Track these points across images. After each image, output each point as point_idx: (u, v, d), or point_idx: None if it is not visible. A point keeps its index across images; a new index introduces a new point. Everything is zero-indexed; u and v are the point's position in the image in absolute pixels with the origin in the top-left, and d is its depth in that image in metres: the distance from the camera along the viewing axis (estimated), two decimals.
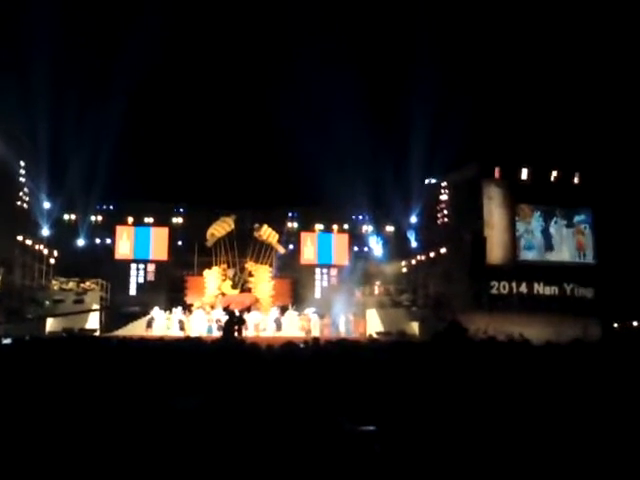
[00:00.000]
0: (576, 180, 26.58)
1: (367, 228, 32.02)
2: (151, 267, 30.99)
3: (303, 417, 3.55)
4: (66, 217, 29.39)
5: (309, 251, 31.79)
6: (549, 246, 26.60)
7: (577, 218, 26.93)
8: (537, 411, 3.78)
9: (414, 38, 27.57)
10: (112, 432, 3.21)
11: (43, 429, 3.32)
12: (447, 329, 7.26)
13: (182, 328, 25.78)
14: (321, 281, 32.34)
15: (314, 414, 3.66)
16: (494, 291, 25.32)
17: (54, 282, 26.97)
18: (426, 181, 29.05)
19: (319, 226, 31.86)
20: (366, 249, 31.81)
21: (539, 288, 25.73)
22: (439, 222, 28.47)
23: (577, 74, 27.37)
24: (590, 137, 25.87)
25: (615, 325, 25.25)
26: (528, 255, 26.34)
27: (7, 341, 8.51)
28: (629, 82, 26.28)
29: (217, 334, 23.42)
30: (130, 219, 30.47)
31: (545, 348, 8.78)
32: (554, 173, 26.32)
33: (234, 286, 30.06)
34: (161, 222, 30.79)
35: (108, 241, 30.39)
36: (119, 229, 30.45)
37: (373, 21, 30.81)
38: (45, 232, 27.82)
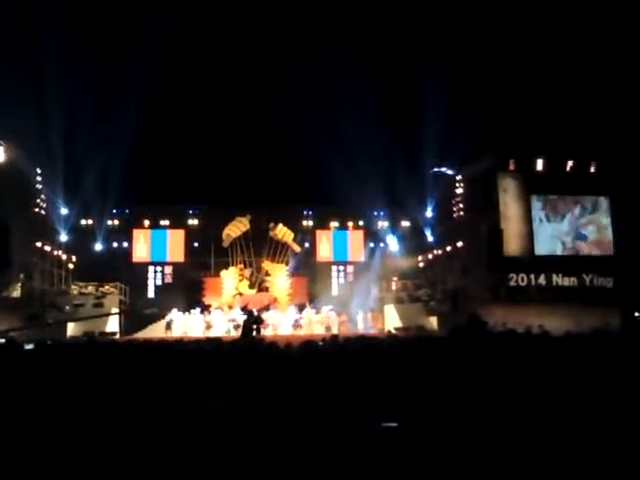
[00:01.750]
0: (592, 169, 26.32)
1: (382, 224, 31.96)
2: (168, 269, 31.17)
3: (324, 414, 3.56)
4: (83, 222, 29.70)
5: (325, 249, 31.80)
6: (567, 237, 26.38)
7: (595, 207, 26.67)
8: (560, 404, 3.76)
9: (427, 30, 27.43)
10: (139, 436, 3.24)
11: (68, 432, 3.36)
12: (467, 323, 7.23)
13: (208, 327, 25.96)
14: (338, 278, 32.32)
15: (335, 411, 3.67)
16: (512, 283, 25.14)
17: (73, 287, 27.26)
18: (435, 169, 28.74)
19: (334, 223, 31.88)
20: (382, 245, 31.74)
21: (557, 279, 25.51)
22: (455, 216, 28.34)
23: (591, 63, 27.08)
24: (605, 125, 25.59)
25: (636, 314, 24.98)
26: (545, 246, 26.13)
27: (30, 346, 8.61)
28: None
29: (235, 334, 23.54)
30: (146, 222, 30.69)
31: (565, 339, 8.73)
32: (570, 163, 26.06)
33: (251, 286, 30.19)
34: (177, 224, 30.98)
35: (125, 245, 30.65)
36: (136, 232, 30.67)
37: (385, 11, 30.66)
38: (63, 238, 28.14)
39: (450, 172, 28.55)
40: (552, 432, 3.20)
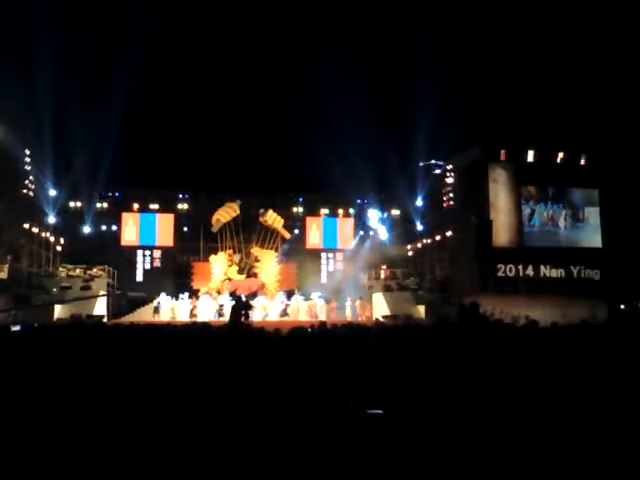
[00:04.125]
0: (582, 161, 26.43)
1: (372, 212, 31.94)
2: (157, 253, 31.02)
3: (310, 400, 3.57)
4: (72, 204, 29.47)
5: (314, 236, 31.77)
6: (555, 228, 26.54)
7: (584, 199, 26.83)
8: (546, 395, 3.79)
9: (418, 20, 27.37)
10: (119, 419, 3.23)
11: (52, 415, 3.35)
12: (465, 312, 7.24)
13: (193, 314, 25.92)
14: (327, 266, 32.33)
15: (321, 397, 3.68)
16: (500, 274, 25.28)
17: (61, 269, 27.08)
18: (422, 163, 28.73)
19: (324, 210, 31.83)
20: (372, 233, 31.75)
21: (545, 270, 25.69)
22: (445, 205, 28.37)
23: (583, 55, 27.10)
24: (596, 118, 25.68)
25: (622, 306, 25.21)
26: (534, 237, 26.27)
27: (16, 328, 8.57)
28: (635, 62, 26.01)
29: (223, 319, 23.52)
30: (135, 206, 30.47)
31: (551, 330, 8.78)
32: (560, 155, 26.16)
33: (240, 271, 30.15)
34: (166, 208, 30.79)
35: (114, 228, 30.45)
36: (125, 216, 30.48)
37: (376, 3, 30.55)
38: (51, 220, 27.91)
39: (440, 164, 28.56)
40: (540, 423, 3.22)
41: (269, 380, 4.13)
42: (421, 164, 28.61)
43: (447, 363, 4.95)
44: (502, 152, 25.93)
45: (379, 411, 3.45)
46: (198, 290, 28.79)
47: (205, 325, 9.70)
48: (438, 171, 28.54)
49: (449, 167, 28.02)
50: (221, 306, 25.72)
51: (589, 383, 4.07)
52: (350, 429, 3.17)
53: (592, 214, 26.65)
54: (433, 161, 28.58)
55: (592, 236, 26.56)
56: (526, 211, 26.29)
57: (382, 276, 29.21)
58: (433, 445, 2.99)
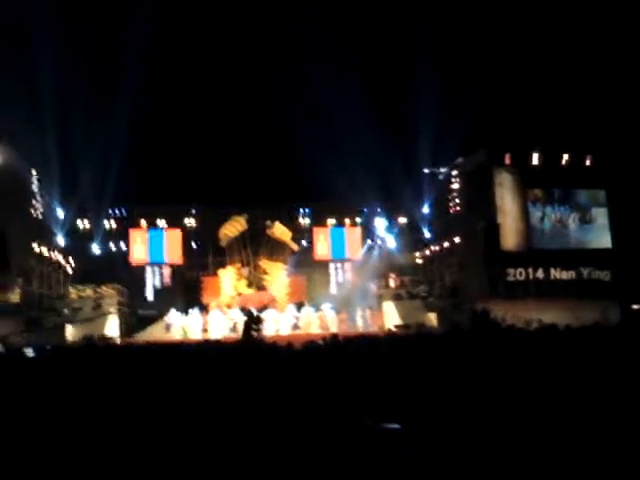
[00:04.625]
0: (588, 162, 26.34)
1: (379, 221, 31.90)
2: (166, 270, 31.01)
3: (324, 416, 3.56)
4: (80, 224, 29.51)
5: (322, 247, 31.69)
6: (563, 230, 26.44)
7: (591, 200, 26.73)
8: (564, 400, 3.76)
9: (421, 24, 27.35)
10: (135, 445, 3.23)
11: (68, 439, 3.35)
12: (475, 320, 7.23)
13: (205, 330, 25.89)
14: (336, 276, 32.23)
15: (335, 412, 3.66)
16: (510, 278, 25.18)
17: (71, 290, 27.15)
18: (427, 170, 28.68)
19: (331, 220, 31.77)
20: (379, 242, 31.70)
21: (555, 273, 25.56)
22: (451, 211, 28.29)
23: (586, 57, 27.07)
24: (601, 118, 25.61)
25: (634, 307, 25.03)
26: (543, 240, 26.18)
27: (30, 353, 8.60)
28: (637, 62, 25.96)
29: (233, 334, 23.49)
30: (143, 222, 30.50)
31: (567, 333, 8.73)
32: (565, 157, 26.10)
33: (249, 285, 30.15)
34: (174, 224, 30.78)
35: (123, 247, 30.48)
36: (133, 233, 30.50)
37: (377, 6, 30.58)
38: (60, 240, 27.97)
39: (443, 170, 28.52)
40: (557, 433, 3.19)
41: (283, 398, 4.12)
42: (426, 170, 28.58)
43: (462, 372, 4.93)
44: (507, 156, 25.90)
45: (396, 425, 3.41)
46: (208, 305, 28.78)
47: (218, 343, 9.70)
48: (443, 172, 28.38)
49: (454, 172, 27.98)
50: (235, 323, 25.64)
51: (605, 385, 4.04)
52: (367, 445, 3.14)
53: (600, 215, 26.52)
54: (435, 169, 28.54)
55: (601, 237, 26.42)
56: (536, 214, 26.18)
57: (391, 285, 29.15)
58: (455, 461, 2.97)
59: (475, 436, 3.23)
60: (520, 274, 25.30)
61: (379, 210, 31.70)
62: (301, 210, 31.74)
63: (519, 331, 8.08)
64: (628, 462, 2.89)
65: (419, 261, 31.19)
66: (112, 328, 25.83)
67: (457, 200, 27.88)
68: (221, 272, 29.94)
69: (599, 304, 21.89)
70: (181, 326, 26.26)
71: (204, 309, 28.08)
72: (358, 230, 31.93)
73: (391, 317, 27.13)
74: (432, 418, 3.70)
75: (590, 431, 3.24)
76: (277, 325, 26.44)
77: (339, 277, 32.12)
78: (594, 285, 25.29)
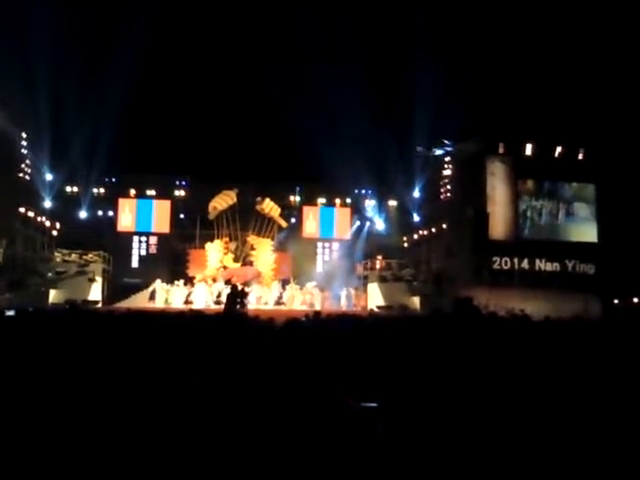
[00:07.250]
0: (580, 156, 26.43)
1: (370, 202, 31.93)
2: (153, 240, 30.89)
3: (302, 393, 3.56)
4: (68, 189, 29.33)
5: (311, 225, 31.72)
6: (552, 222, 26.59)
7: (580, 193, 26.86)
8: (539, 388, 3.80)
9: (417, 13, 27.20)
10: (116, 410, 3.22)
11: (48, 403, 3.34)
12: (457, 306, 7.28)
13: (187, 301, 25.95)
14: (323, 255, 32.31)
15: (313, 390, 3.67)
16: (496, 266, 25.34)
17: (56, 254, 27.03)
18: (420, 149, 28.55)
19: (321, 200, 31.76)
20: (368, 223, 31.75)
21: (541, 264, 25.74)
22: (442, 197, 28.37)
23: (582, 49, 27.00)
24: (595, 113, 25.63)
25: (615, 301, 25.31)
26: (530, 231, 26.32)
27: (10, 313, 8.54)
28: (635, 57, 25.95)
29: (217, 307, 23.57)
30: (132, 191, 30.35)
31: (544, 324, 8.82)
32: (559, 149, 26.16)
33: (236, 259, 30.15)
34: (163, 195, 30.65)
35: (110, 213, 30.33)
36: (121, 201, 30.36)
37: None
38: (47, 204, 27.79)
39: (437, 152, 28.41)
40: (534, 417, 3.22)
41: (262, 371, 4.12)
42: (419, 149, 28.40)
43: (441, 355, 4.96)
44: (501, 145, 25.92)
45: (373, 404, 3.43)
46: (193, 277, 28.78)
47: (200, 313, 9.70)
48: (437, 153, 28.21)
49: (447, 159, 27.97)
50: (219, 293, 25.74)
51: (581, 378, 4.08)
52: (343, 422, 3.15)
53: (588, 209, 26.68)
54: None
55: (587, 230, 26.59)
56: (526, 205, 26.30)
57: (378, 266, 29.28)
58: (429, 439, 2.99)
59: (450, 416, 3.26)
60: (506, 263, 25.46)
61: (370, 192, 31.72)
62: (292, 188, 31.66)
63: (500, 319, 8.13)
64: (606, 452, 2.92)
65: (406, 245, 31.30)
66: (95, 294, 25.80)
67: (448, 186, 27.93)
68: (208, 245, 29.88)
69: (581, 297, 22.14)
70: (165, 291, 26.35)
71: (189, 281, 28.11)
72: (348, 210, 31.95)
73: (375, 298, 27.28)
74: (409, 398, 3.73)
75: (557, 411, 3.28)
76: (261, 300, 26.56)
77: (326, 256, 32.19)
78: (578, 278, 25.51)
